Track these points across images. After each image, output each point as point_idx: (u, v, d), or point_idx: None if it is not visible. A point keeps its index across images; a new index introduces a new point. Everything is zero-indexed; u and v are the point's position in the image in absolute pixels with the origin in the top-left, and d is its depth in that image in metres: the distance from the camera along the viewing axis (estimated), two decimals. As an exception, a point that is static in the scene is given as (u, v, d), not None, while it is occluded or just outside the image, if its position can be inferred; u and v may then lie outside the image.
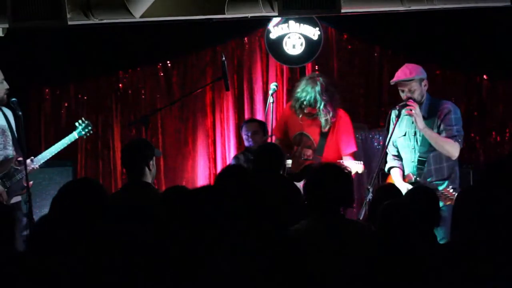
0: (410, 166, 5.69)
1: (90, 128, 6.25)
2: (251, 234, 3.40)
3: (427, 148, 5.59)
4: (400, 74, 5.68)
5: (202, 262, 3.10)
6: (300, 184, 5.89)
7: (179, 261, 3.10)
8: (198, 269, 3.09)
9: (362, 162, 5.90)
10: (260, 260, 3.28)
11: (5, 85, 5.79)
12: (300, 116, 6.03)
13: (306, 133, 6.09)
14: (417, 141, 5.65)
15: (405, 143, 5.72)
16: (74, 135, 6.16)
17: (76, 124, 6.23)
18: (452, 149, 5.54)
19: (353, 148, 6.03)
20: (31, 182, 5.73)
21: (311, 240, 3.68)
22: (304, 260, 3.51)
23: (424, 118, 5.59)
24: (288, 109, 6.18)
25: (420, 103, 5.62)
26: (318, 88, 5.99)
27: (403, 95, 5.66)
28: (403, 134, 5.72)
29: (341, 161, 5.87)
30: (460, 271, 3.57)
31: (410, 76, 5.61)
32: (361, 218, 5.18)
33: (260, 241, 3.39)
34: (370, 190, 5.24)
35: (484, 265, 3.55)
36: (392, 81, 5.72)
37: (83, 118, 6.28)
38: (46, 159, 5.98)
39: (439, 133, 5.57)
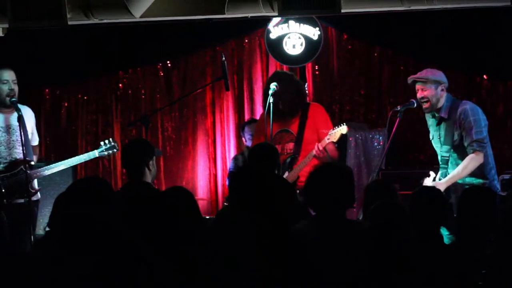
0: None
1: (115, 150, 6.01)
2: (251, 234, 3.40)
3: (449, 147, 5.60)
4: (418, 73, 5.70)
5: (202, 262, 3.10)
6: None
7: (180, 260, 3.10)
8: (199, 269, 3.09)
9: (343, 123, 5.87)
10: (260, 260, 3.28)
11: (11, 86, 5.78)
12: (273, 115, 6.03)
13: (287, 128, 6.11)
14: (441, 141, 5.67)
15: (435, 146, 5.74)
16: (94, 153, 5.98)
17: (101, 143, 6.01)
18: (474, 163, 5.48)
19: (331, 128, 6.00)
20: (37, 187, 5.84)
21: (311, 240, 3.68)
22: (304, 260, 3.52)
23: (445, 119, 5.61)
24: (262, 118, 6.17)
25: (437, 108, 5.61)
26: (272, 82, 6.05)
27: (417, 95, 5.66)
28: (432, 138, 5.75)
29: (325, 131, 5.87)
30: (460, 272, 3.58)
31: (425, 75, 5.62)
32: (361, 218, 5.19)
33: (260, 241, 3.39)
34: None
35: (484, 266, 3.56)
36: (409, 78, 5.72)
37: (110, 139, 6.04)
38: (58, 170, 5.98)
39: (462, 137, 5.57)
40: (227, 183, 7.48)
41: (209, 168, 8.24)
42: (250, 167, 4.95)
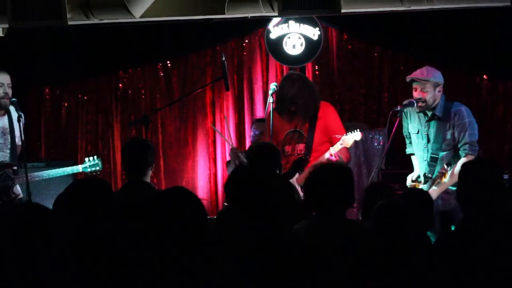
0: (423, 164, 5.73)
1: (98, 168, 6.12)
2: (251, 234, 3.40)
3: (440, 146, 5.62)
4: (417, 73, 5.71)
5: (202, 262, 3.10)
6: (292, 180, 5.92)
7: (179, 261, 3.10)
8: (198, 269, 3.09)
9: (357, 129, 5.89)
10: (260, 260, 3.28)
11: (5, 90, 5.79)
12: (285, 116, 6.04)
13: (298, 129, 6.11)
14: (429, 139, 5.68)
15: (418, 141, 5.77)
16: (78, 168, 6.08)
17: (86, 159, 6.12)
18: None
19: (342, 133, 6.01)
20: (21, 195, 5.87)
21: (311, 240, 3.68)
22: (304, 260, 3.52)
23: (439, 118, 5.62)
24: (269, 116, 6.17)
25: (432, 107, 5.63)
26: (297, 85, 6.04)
27: (415, 94, 5.67)
28: (416, 131, 5.76)
29: (338, 136, 5.87)
30: (452, 273, 3.58)
31: (426, 76, 5.64)
32: (361, 218, 5.19)
33: (260, 241, 3.39)
34: (370, 190, 5.26)
35: (478, 266, 3.56)
36: (408, 77, 5.73)
37: (95, 156, 6.15)
38: (41, 178, 6.02)
39: (454, 139, 5.59)
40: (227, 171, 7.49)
41: (209, 168, 8.24)
42: (247, 167, 4.95)
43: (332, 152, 5.83)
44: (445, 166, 5.51)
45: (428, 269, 3.58)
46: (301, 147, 6.09)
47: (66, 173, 6.09)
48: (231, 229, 3.46)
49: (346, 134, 5.85)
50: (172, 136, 8.30)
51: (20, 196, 5.89)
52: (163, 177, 8.20)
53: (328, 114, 6.07)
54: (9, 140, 5.78)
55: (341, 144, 5.83)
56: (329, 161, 5.81)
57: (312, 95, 6.08)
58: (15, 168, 5.85)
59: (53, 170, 6.05)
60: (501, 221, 3.67)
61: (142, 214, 3.67)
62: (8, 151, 5.81)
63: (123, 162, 5.05)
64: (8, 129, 5.80)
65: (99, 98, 8.29)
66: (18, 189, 5.90)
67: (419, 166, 5.79)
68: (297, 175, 5.97)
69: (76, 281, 3.12)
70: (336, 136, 5.88)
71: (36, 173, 5.99)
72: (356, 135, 5.83)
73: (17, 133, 5.90)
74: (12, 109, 5.88)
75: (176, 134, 8.30)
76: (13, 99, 5.79)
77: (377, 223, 3.67)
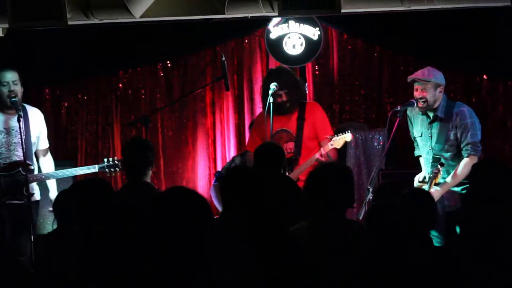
0: (428, 165, 5.74)
1: (117, 169, 6.00)
2: (252, 233, 3.40)
3: (442, 146, 5.63)
4: (419, 73, 5.74)
5: (202, 262, 3.10)
6: None
7: (180, 261, 3.11)
8: (199, 269, 3.09)
9: (348, 131, 5.95)
10: (260, 260, 3.28)
11: (10, 87, 5.80)
12: (272, 115, 6.08)
13: (285, 128, 6.16)
14: (431, 140, 5.69)
15: (422, 143, 5.79)
16: (94, 167, 6.02)
17: (105, 159, 6.03)
18: (469, 167, 5.44)
19: (330, 133, 6.08)
20: (34, 193, 5.88)
21: (311, 240, 3.68)
22: (304, 260, 3.52)
23: (441, 119, 5.64)
24: (259, 117, 6.21)
25: (434, 108, 5.64)
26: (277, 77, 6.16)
27: (415, 94, 5.69)
28: (420, 134, 5.78)
29: (329, 136, 5.94)
30: (454, 274, 3.58)
31: (427, 77, 5.66)
32: (361, 218, 5.19)
33: (261, 240, 3.39)
34: (370, 190, 5.27)
35: (480, 268, 3.57)
36: (409, 78, 5.76)
37: (115, 158, 6.05)
38: (55, 178, 6.01)
39: (457, 139, 5.60)
40: (213, 183, 7.51)
41: (209, 168, 8.24)
42: (244, 166, 4.96)
43: (322, 153, 5.90)
44: (438, 166, 5.54)
45: (431, 269, 3.58)
46: (290, 145, 6.15)
47: (81, 172, 6.09)
48: (231, 229, 3.47)
49: (337, 135, 5.92)
50: (172, 136, 8.30)
51: (34, 194, 5.90)
52: (163, 177, 8.20)
53: (315, 113, 6.17)
54: (23, 140, 5.74)
55: (331, 145, 5.92)
56: (318, 161, 5.87)
57: (295, 84, 6.20)
58: (32, 167, 5.84)
59: (68, 169, 6.04)
60: (510, 221, 3.67)
61: (144, 214, 3.67)
62: (20, 151, 5.78)
63: (123, 162, 5.05)
64: (16, 128, 5.79)
65: (99, 98, 8.28)
66: (32, 187, 5.90)
67: (426, 166, 5.81)
68: (286, 174, 5.98)
69: (76, 281, 3.13)
70: (327, 136, 5.95)
71: (50, 173, 5.98)
72: (347, 136, 5.93)
73: (33, 132, 5.91)
74: (28, 107, 5.91)
75: (176, 134, 8.29)
76: (14, 99, 5.79)
77: (371, 223, 3.68)
